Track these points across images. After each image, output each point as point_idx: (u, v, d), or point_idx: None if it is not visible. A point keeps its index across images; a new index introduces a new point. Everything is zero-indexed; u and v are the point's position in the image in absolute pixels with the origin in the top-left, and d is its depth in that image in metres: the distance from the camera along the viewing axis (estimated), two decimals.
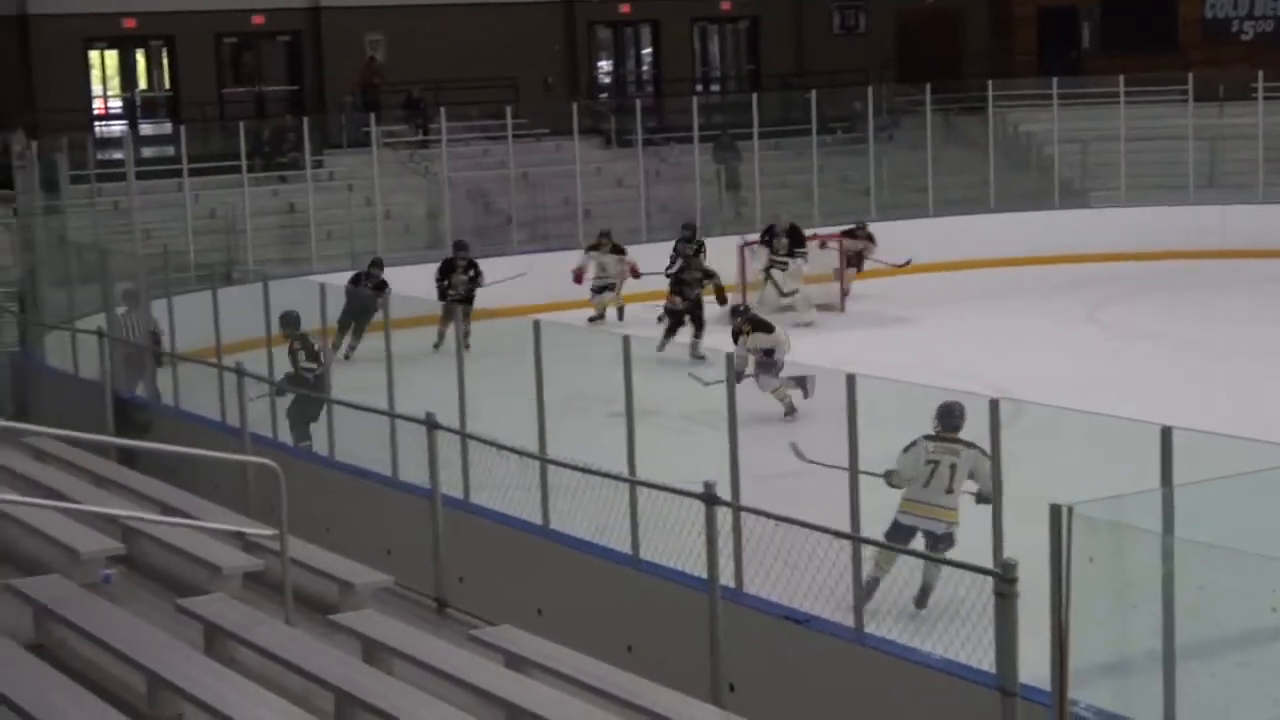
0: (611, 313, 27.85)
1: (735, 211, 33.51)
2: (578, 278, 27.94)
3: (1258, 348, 23.87)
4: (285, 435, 16.87)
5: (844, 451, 10.97)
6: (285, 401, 17.33)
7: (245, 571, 11.59)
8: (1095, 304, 28.38)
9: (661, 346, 22.85)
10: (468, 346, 20.06)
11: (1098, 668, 8.75)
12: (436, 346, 22.18)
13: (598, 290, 28.03)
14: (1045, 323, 26.72)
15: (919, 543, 12.83)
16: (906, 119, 36.22)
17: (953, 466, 12.80)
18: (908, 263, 29.49)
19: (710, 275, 26.13)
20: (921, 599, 12.60)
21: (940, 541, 12.76)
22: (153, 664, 9.19)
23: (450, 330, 19.81)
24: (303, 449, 16.87)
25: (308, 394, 17.15)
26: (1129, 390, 19.50)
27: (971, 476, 12.75)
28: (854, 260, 29.88)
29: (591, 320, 27.20)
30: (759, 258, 28.07)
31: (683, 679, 9.91)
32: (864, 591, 11.31)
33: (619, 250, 28.25)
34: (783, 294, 27.46)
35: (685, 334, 24.24)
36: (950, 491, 12.82)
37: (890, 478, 12.95)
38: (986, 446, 10.71)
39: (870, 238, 30.44)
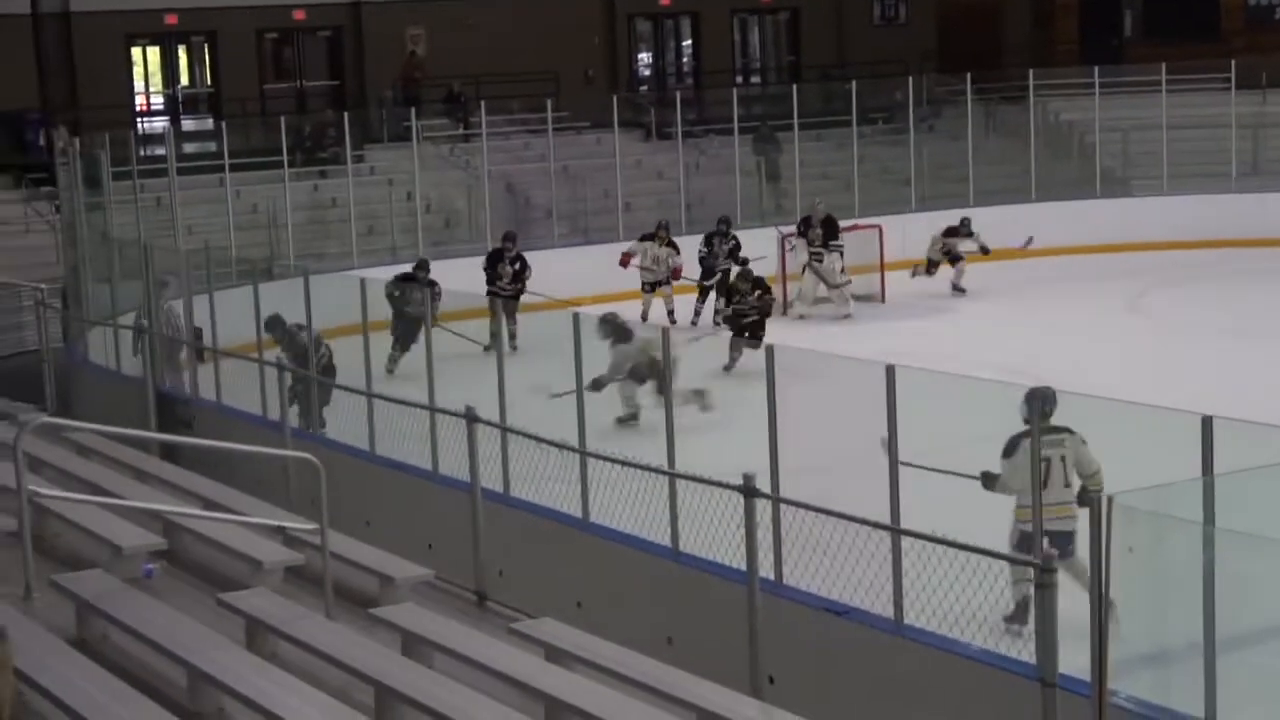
0: (660, 311, 26.96)
1: (775, 203, 33.45)
2: (624, 262, 27.14)
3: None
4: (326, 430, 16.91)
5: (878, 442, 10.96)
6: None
7: (286, 566, 11.63)
8: (1137, 293, 28.26)
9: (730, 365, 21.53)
10: (514, 347, 20.15)
11: (1138, 658, 8.73)
12: (487, 349, 20.57)
13: (648, 287, 27.23)
14: (1087, 312, 26.61)
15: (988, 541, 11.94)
16: (947, 109, 36.13)
17: (1063, 459, 12.03)
18: (1029, 241, 29.16)
19: (760, 286, 24.43)
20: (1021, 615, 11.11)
21: (1070, 541, 11.56)
22: (194, 658, 9.23)
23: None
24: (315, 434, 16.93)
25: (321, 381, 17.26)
26: (1171, 379, 19.38)
27: (1076, 465, 12.08)
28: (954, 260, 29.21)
29: (643, 319, 25.95)
30: (800, 251, 27.90)
31: (723, 671, 9.91)
32: (1017, 615, 10.92)
33: (674, 245, 27.43)
34: (831, 285, 27.31)
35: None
36: (1068, 485, 11.99)
37: (994, 484, 12.04)
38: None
39: (971, 234, 29.56)
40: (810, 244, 27.40)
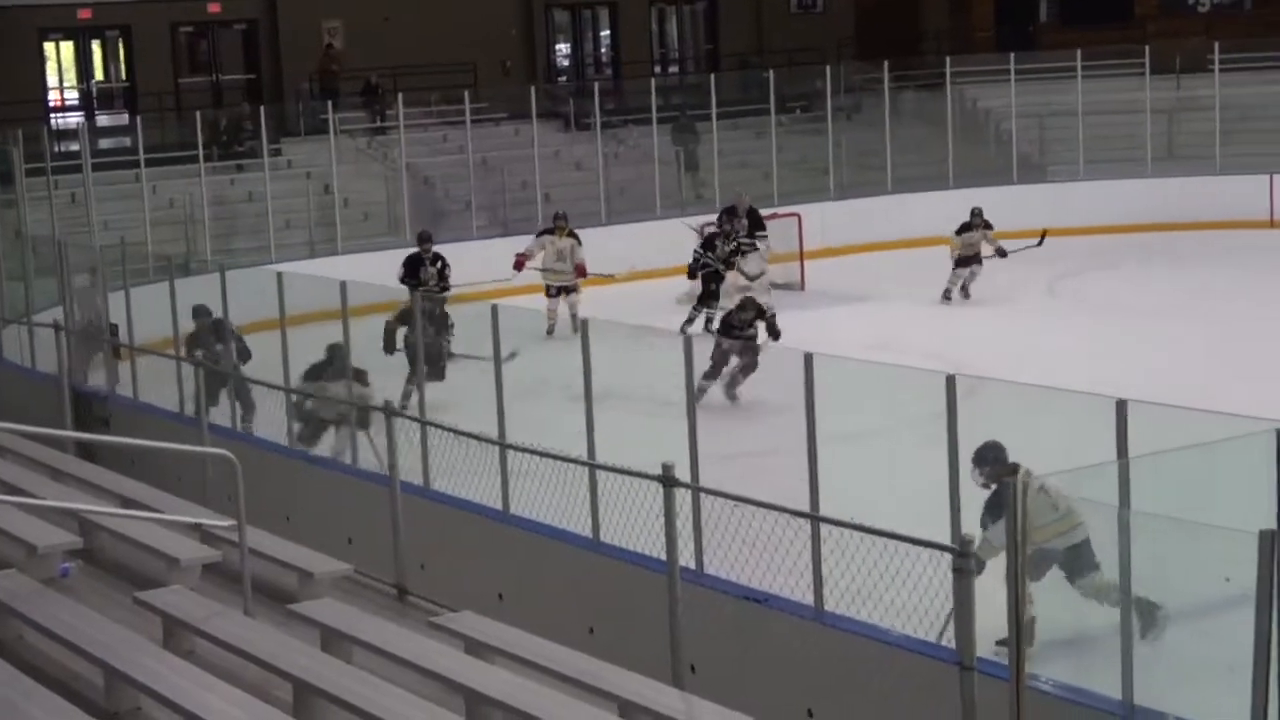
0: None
1: (695, 193, 33.48)
2: (519, 264, 25.54)
3: (1215, 319, 23.95)
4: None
5: (802, 430, 10.98)
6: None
7: (204, 563, 11.53)
8: (1054, 278, 28.43)
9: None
10: (451, 354, 19.89)
11: (1056, 640, 8.79)
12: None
13: (554, 290, 25.31)
14: (1005, 297, 26.76)
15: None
16: (865, 97, 36.23)
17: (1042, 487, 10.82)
18: (1043, 237, 27.98)
19: (762, 315, 21.15)
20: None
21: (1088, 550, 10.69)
22: (110, 658, 9.15)
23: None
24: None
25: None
26: (1086, 363, 19.52)
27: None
28: (971, 258, 27.25)
29: (549, 333, 23.41)
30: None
31: (644, 661, 9.91)
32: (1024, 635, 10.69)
33: (576, 237, 25.88)
34: (750, 277, 27.25)
35: None
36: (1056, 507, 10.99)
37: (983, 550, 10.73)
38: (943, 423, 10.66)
39: (987, 224, 27.52)
40: (736, 235, 27.28)
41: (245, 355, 17.89)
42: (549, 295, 25.35)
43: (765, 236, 27.52)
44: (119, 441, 15.31)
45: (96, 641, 9.41)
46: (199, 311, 18.09)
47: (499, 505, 13.38)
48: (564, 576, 12.32)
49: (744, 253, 26.63)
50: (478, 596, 11.94)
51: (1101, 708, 8.63)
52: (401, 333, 17.77)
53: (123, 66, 37.86)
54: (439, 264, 23.93)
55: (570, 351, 12.88)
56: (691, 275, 25.70)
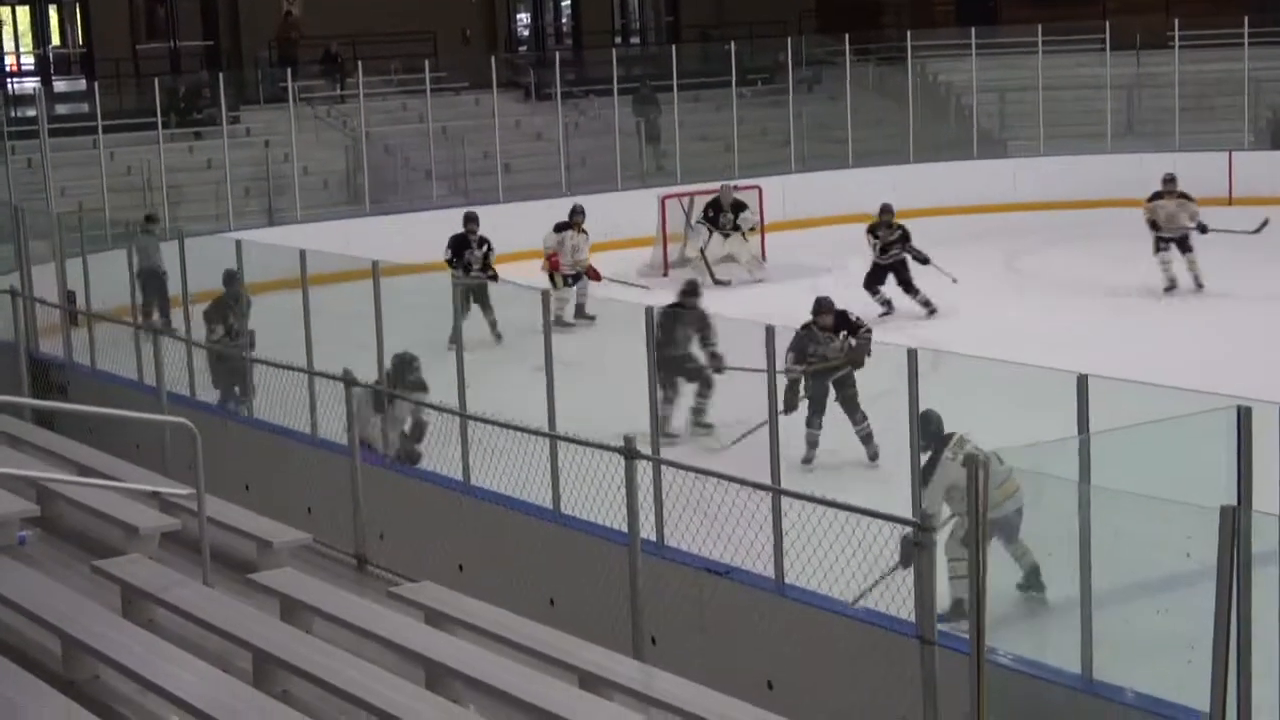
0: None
1: (656, 164, 33.45)
2: (554, 265, 23.95)
3: (1175, 295, 24.04)
4: (202, 393, 16.72)
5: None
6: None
7: (163, 532, 11.50)
8: (1014, 253, 28.49)
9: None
10: (498, 336, 20.26)
11: (1016, 615, 8.82)
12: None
13: (570, 280, 23.94)
14: (964, 272, 26.76)
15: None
16: (826, 70, 36.22)
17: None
18: (1264, 224, 25.11)
19: (846, 323, 16.91)
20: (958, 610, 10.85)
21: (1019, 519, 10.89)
22: (68, 626, 9.11)
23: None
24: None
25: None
26: (1047, 339, 19.59)
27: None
28: (1176, 239, 24.37)
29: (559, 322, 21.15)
30: (699, 235, 27.53)
31: (604, 632, 9.93)
32: (954, 613, 10.92)
33: (586, 234, 24.41)
34: (738, 260, 27.23)
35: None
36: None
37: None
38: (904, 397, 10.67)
39: (1184, 194, 24.67)
40: (723, 230, 27.21)
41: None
42: (568, 281, 24.07)
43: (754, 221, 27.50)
44: (78, 409, 15.24)
45: (54, 610, 9.37)
46: (230, 278, 17.69)
47: (459, 476, 13.35)
48: (524, 548, 12.31)
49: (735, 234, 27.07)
50: (438, 567, 11.94)
51: (1061, 681, 8.67)
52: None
53: (80, 32, 37.63)
54: (484, 247, 23.38)
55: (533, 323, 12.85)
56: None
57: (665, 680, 8.83)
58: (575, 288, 23.92)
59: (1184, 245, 24.27)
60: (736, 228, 27.04)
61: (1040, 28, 34.75)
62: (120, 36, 36.11)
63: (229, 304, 17.38)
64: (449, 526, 13.10)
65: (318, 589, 10.22)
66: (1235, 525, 6.72)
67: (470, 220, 23.58)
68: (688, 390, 16.59)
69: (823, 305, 16.81)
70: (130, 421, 14.01)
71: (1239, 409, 8.08)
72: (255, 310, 16.89)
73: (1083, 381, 9.00)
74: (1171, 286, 24.16)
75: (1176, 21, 34.70)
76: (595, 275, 24.35)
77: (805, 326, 16.07)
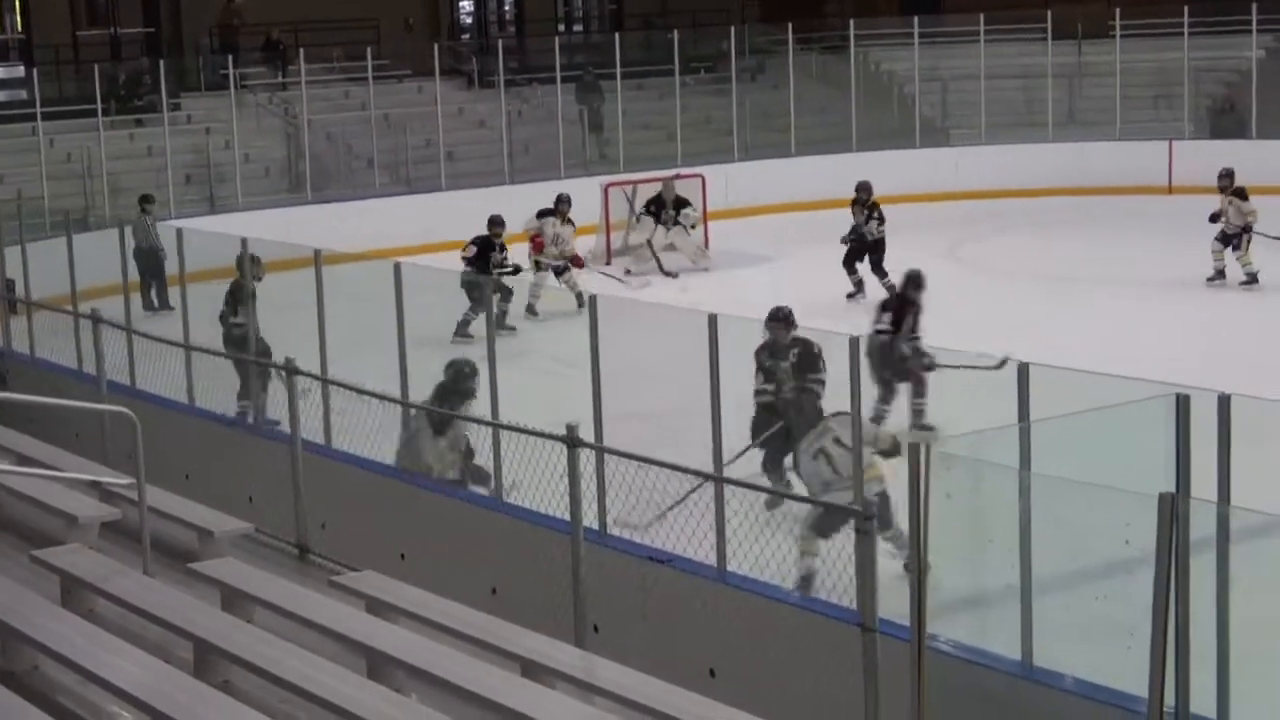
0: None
1: (599, 152, 33.45)
2: (538, 246, 24.35)
3: (1115, 283, 24.17)
4: (143, 382, 16.61)
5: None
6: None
7: (102, 521, 11.42)
8: (956, 241, 28.60)
9: None
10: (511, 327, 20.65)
11: (957, 602, 8.84)
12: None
13: (558, 272, 24.22)
14: (907, 261, 26.80)
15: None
16: (769, 59, 36.28)
17: (837, 440, 11.93)
18: None
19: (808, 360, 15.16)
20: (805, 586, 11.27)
21: (886, 507, 11.33)
22: (7, 616, 9.03)
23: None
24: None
25: None
26: (988, 327, 19.65)
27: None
28: (1230, 236, 24.06)
29: (530, 311, 23.18)
30: (644, 228, 27.58)
31: (546, 621, 9.91)
32: (802, 585, 11.22)
33: (572, 223, 24.83)
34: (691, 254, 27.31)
35: None
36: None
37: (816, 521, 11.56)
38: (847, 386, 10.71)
39: (1238, 191, 24.31)
40: (665, 225, 27.26)
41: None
42: (553, 272, 24.31)
43: (695, 216, 27.52)
44: (16, 398, 15.10)
45: None
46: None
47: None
48: (467, 536, 12.29)
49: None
50: (380, 556, 11.88)
51: (1001, 668, 8.70)
52: None
53: (19, 18, 37.34)
54: (504, 252, 23.19)
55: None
56: None
57: (607, 668, 8.83)
58: (564, 277, 23.98)
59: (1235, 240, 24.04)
60: (678, 223, 27.10)
61: (982, 17, 34.90)
62: (60, 23, 35.86)
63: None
64: (391, 515, 13.06)
65: (259, 578, 10.17)
66: (1174, 512, 6.76)
67: (496, 224, 23.25)
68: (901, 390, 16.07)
69: (776, 314, 14.95)
70: (70, 410, 13.92)
71: (1178, 397, 8.12)
72: (194, 298, 16.78)
73: (1023, 370, 9.03)
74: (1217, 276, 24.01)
75: (1118, 11, 34.88)
76: (579, 263, 24.53)
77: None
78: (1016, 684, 8.63)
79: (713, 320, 10.77)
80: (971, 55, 35.19)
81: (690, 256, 27.18)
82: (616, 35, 35.01)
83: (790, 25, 34.84)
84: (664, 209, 27.32)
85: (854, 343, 10.02)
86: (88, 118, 29.26)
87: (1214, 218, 24.14)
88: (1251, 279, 23.70)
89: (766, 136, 34.32)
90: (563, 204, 24.78)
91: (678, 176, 29.35)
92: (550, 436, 10.89)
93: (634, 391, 13.75)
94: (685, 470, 10.65)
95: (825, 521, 11.36)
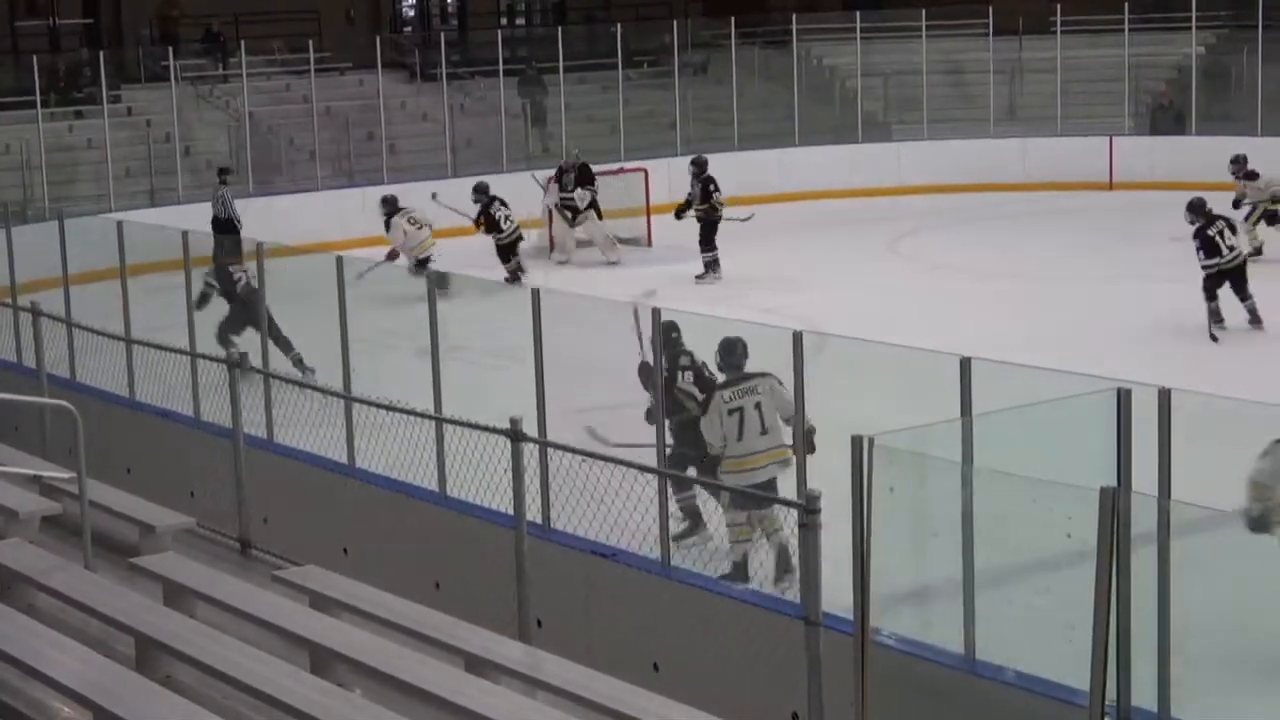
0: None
1: (542, 146, 33.42)
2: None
3: (1056, 279, 24.29)
4: (83, 375, 16.53)
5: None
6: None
7: (43, 515, 11.34)
8: (897, 236, 28.70)
9: None
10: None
11: (900, 596, 8.88)
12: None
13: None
14: (848, 255, 26.96)
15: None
16: (713, 54, 36.31)
17: (758, 405, 11.93)
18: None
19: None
20: (784, 567, 11.35)
21: (772, 490, 11.57)
22: None
23: None
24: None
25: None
26: (930, 322, 19.75)
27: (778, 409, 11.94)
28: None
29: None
30: (552, 195, 27.75)
31: (490, 616, 9.91)
32: (735, 574, 11.35)
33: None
34: (571, 226, 27.38)
35: None
36: (765, 432, 11.92)
37: (708, 450, 11.92)
38: (789, 379, 10.74)
39: (1249, 174, 24.91)
40: (563, 189, 27.33)
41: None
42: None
43: (594, 190, 27.47)
44: None
45: None
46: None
47: (344, 459, 13.29)
48: (410, 531, 12.28)
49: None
50: (322, 551, 11.87)
51: (944, 662, 8.75)
52: None
53: None
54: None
55: (417, 305, 12.78)
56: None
57: (552, 663, 8.83)
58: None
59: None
60: (577, 189, 27.07)
61: (924, 12, 35.03)
62: None
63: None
64: (333, 510, 13.04)
65: (201, 573, 10.13)
66: (1115, 506, 6.81)
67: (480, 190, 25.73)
68: None
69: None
70: (9, 404, 13.84)
71: (1119, 391, 8.17)
72: (136, 292, 16.70)
73: (965, 364, 9.08)
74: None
75: (1059, 7, 35.03)
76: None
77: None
78: (959, 677, 8.68)
79: (656, 314, 10.81)
80: (913, 50, 35.32)
81: (600, 247, 27.21)
82: (559, 29, 34.97)
83: (733, 20, 34.88)
84: (564, 174, 27.55)
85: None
86: (27, 109, 29.07)
87: (1236, 204, 24.27)
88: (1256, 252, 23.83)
89: (709, 130, 34.35)
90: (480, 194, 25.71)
91: (621, 170, 29.39)
92: (494, 430, 10.88)
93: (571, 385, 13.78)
94: (628, 464, 10.66)
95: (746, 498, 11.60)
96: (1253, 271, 20.45)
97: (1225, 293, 19.98)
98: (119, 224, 16.70)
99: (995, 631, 8.66)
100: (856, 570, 7.85)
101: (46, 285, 17.82)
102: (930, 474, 8.53)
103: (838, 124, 35.46)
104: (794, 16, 35.72)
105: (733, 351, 12.14)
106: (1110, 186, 32.60)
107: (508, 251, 25.31)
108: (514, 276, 24.51)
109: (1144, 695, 7.47)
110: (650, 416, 11.65)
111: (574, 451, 11.10)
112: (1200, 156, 29.27)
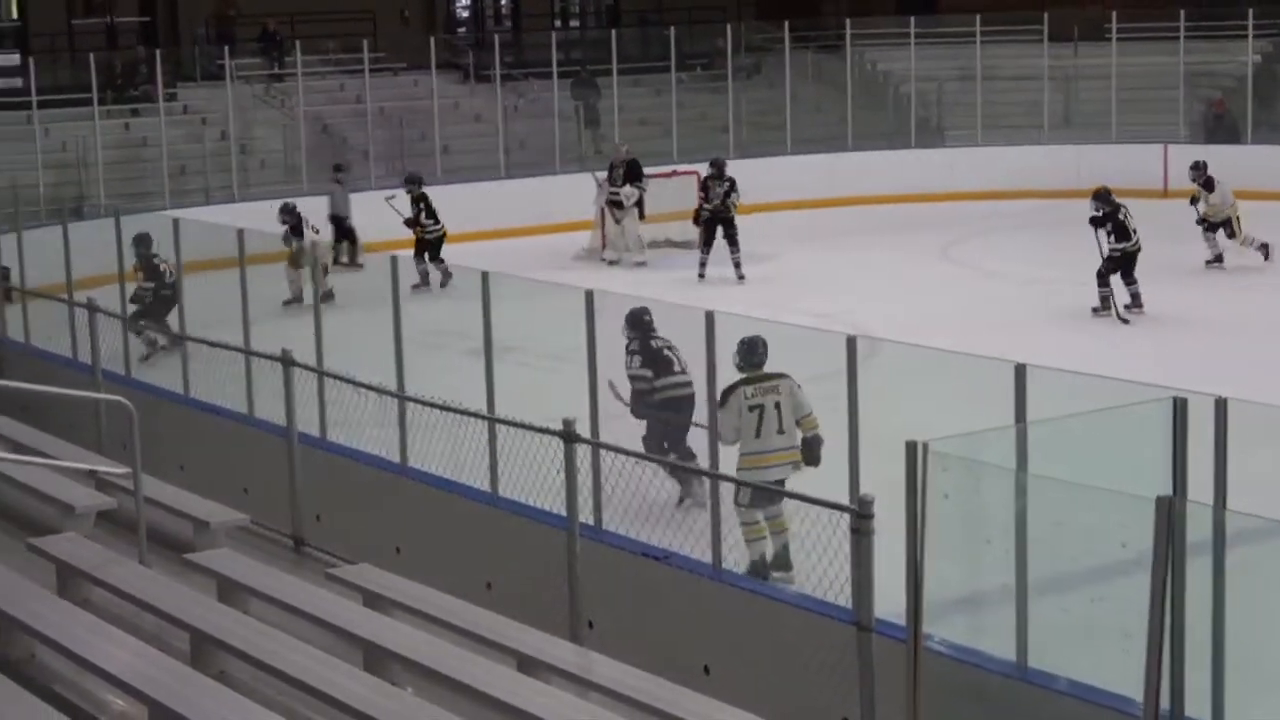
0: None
1: (594, 148, 33.44)
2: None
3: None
4: (138, 372, 16.63)
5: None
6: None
7: (98, 510, 11.45)
8: (950, 242, 28.61)
9: None
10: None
11: (952, 602, 8.86)
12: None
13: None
14: (901, 261, 26.90)
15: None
16: (766, 57, 36.29)
17: (777, 405, 12.06)
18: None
19: None
20: (781, 565, 11.81)
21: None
22: (4, 604, 9.05)
23: None
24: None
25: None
26: (983, 328, 19.68)
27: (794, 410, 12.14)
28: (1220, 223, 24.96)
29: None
30: (601, 193, 27.76)
31: (541, 616, 9.93)
32: (754, 570, 11.43)
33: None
34: (616, 222, 27.40)
35: None
36: (782, 431, 12.08)
37: (722, 439, 11.79)
38: (842, 384, 10.72)
39: (1208, 183, 25.13)
40: (611, 184, 27.36)
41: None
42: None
43: (642, 188, 27.50)
44: (12, 386, 15.11)
45: None
46: (140, 241, 18.44)
47: (397, 458, 13.33)
48: (462, 530, 12.31)
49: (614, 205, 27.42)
50: (375, 549, 11.92)
51: (996, 669, 8.72)
52: None
53: (14, 6, 37.30)
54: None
55: (472, 305, 12.79)
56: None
57: (602, 664, 8.86)
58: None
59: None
60: (618, 192, 27.19)
61: (979, 18, 34.89)
62: (56, 11, 35.79)
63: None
64: (386, 508, 13.08)
65: (255, 570, 10.19)
66: (1171, 515, 6.78)
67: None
68: None
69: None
70: (66, 399, 13.94)
71: (1175, 400, 8.15)
72: (193, 289, 16.79)
73: (1020, 371, 9.05)
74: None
75: (1114, 14, 34.87)
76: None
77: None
78: (1011, 685, 8.66)
79: (709, 318, 10.80)
80: (967, 56, 35.22)
81: (630, 247, 27.24)
82: (613, 31, 34.99)
83: (786, 23, 34.86)
84: (613, 169, 27.63)
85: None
86: (83, 107, 29.23)
87: (1193, 201, 25.13)
88: (1265, 251, 24.68)
89: (762, 134, 34.34)
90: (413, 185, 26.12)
91: (673, 173, 29.39)
92: (547, 431, 10.90)
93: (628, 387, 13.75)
94: (683, 467, 10.68)
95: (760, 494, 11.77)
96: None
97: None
98: (174, 221, 16.80)
99: (1048, 639, 8.64)
100: (909, 576, 7.83)
101: (103, 281, 17.94)
102: (984, 480, 8.51)
103: (891, 129, 35.41)
104: (848, 21, 35.68)
105: (754, 350, 12.26)
106: (1165, 194, 32.41)
107: (427, 249, 25.19)
108: (424, 280, 24.40)
109: (1198, 705, 7.43)
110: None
111: (627, 453, 11.12)
112: (1255, 165, 29.12)
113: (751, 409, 12.04)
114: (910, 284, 24.69)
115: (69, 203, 22.20)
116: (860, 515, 8.86)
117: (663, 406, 13.53)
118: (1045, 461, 8.55)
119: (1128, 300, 21.55)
